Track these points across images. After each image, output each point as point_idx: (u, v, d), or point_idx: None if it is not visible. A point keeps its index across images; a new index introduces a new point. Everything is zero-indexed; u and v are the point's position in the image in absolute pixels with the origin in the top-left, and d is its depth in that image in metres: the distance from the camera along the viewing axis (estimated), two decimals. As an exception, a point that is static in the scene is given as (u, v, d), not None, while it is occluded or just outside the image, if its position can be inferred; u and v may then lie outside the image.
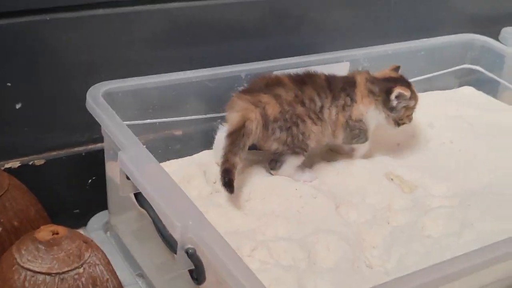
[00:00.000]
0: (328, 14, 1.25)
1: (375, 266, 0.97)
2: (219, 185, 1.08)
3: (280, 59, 1.17)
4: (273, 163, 1.09)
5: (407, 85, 1.12)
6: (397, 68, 1.15)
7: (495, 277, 0.86)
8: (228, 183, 1.00)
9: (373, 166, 1.15)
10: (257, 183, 1.07)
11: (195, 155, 1.14)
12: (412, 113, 1.14)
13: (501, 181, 1.14)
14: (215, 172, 1.10)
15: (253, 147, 1.09)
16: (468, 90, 1.41)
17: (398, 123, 1.13)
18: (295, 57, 1.18)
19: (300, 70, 1.12)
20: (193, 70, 1.10)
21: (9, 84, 1.02)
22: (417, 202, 1.09)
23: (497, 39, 1.36)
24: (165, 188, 0.84)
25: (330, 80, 1.10)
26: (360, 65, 1.23)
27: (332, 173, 1.14)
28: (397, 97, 1.09)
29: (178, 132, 1.13)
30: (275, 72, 1.13)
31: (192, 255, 0.78)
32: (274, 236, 0.98)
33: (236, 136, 1.02)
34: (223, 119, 1.13)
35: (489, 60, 1.37)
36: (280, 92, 1.05)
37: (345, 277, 0.92)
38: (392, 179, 1.13)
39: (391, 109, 1.11)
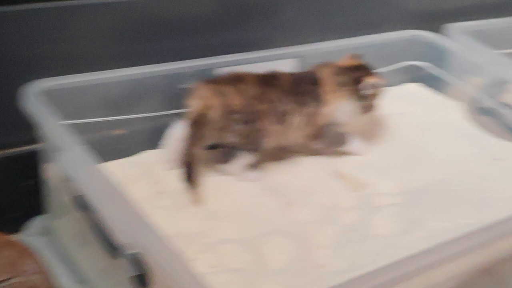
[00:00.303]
0: (275, 10, 1.23)
1: (325, 266, 0.94)
2: (163, 186, 1.05)
3: (226, 56, 1.14)
4: (224, 156, 1.06)
5: (373, 72, 1.12)
6: (357, 56, 1.15)
7: (450, 274, 0.85)
8: (189, 179, 0.99)
9: (321, 164, 1.14)
10: (204, 183, 1.04)
11: (138, 155, 1.11)
12: (376, 100, 1.14)
13: (449, 178, 1.13)
14: (159, 172, 1.07)
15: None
16: (414, 87, 1.41)
17: (365, 111, 1.13)
18: (242, 54, 1.15)
19: (265, 71, 1.10)
20: (135, 67, 1.06)
21: None
22: (366, 200, 1.07)
23: (442, 35, 1.36)
24: (107, 191, 0.80)
25: (295, 83, 1.08)
26: (307, 62, 1.21)
27: (281, 172, 1.11)
28: (368, 86, 1.10)
29: (121, 131, 1.09)
30: (227, 69, 1.10)
31: (136, 260, 0.74)
32: (221, 238, 0.95)
33: (198, 125, 1.00)
34: (167, 117, 1.10)
35: (434, 56, 1.37)
36: (244, 87, 1.04)
37: (296, 278, 0.89)
38: (340, 177, 1.12)
39: (361, 97, 1.11)
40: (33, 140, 1.02)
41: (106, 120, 1.05)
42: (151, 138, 1.10)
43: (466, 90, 1.33)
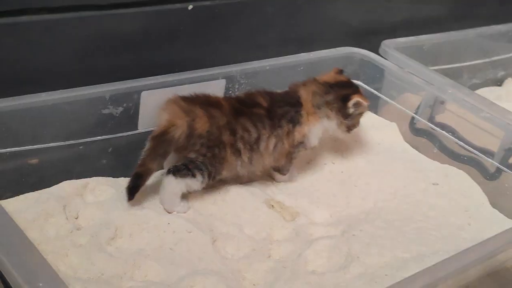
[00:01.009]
0: (201, 28, 1.15)
1: (257, 308, 0.88)
2: (81, 221, 0.97)
3: (150, 78, 1.07)
4: (181, 167, 0.99)
5: (360, 91, 1.11)
6: (340, 71, 1.13)
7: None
8: (132, 188, 0.97)
9: (252, 193, 1.07)
10: (124, 217, 0.97)
11: (54, 187, 1.01)
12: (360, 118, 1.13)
13: (385, 205, 1.09)
14: (77, 205, 0.98)
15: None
16: (349, 106, 1.36)
17: (350, 129, 1.11)
18: (167, 75, 1.08)
19: (243, 94, 1.08)
20: (49, 92, 0.98)
21: None
22: (299, 231, 1.02)
23: (377, 52, 1.32)
24: (9, 240, 0.71)
25: (271, 109, 1.04)
26: (236, 82, 1.15)
27: (208, 202, 1.05)
28: (355, 105, 1.07)
29: (34, 161, 1.00)
30: (153, 92, 1.05)
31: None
32: (143, 280, 0.88)
33: (158, 141, 0.97)
34: (85, 145, 1.02)
35: (369, 74, 1.33)
36: (215, 114, 1.00)
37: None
38: (272, 206, 1.06)
39: (347, 116, 1.08)
40: None
41: (17, 150, 0.96)
42: (68, 168, 1.02)
43: (402, 109, 1.29)
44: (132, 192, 0.97)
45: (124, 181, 1.06)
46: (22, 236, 0.73)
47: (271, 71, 1.19)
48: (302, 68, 1.24)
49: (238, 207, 1.04)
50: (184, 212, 1.01)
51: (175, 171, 0.99)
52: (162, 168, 1.03)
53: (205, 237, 0.96)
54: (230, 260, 0.95)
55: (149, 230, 0.95)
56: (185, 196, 1.03)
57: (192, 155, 0.99)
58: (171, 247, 0.93)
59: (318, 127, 1.08)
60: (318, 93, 1.08)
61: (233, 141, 1.01)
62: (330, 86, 1.09)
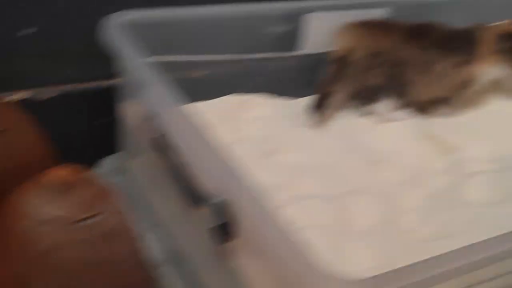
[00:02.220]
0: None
1: (413, 232, 0.88)
2: (241, 134, 0.99)
3: (313, 1, 1.05)
4: (368, 97, 1.03)
5: None
6: None
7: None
8: (317, 108, 1.00)
9: (409, 123, 1.06)
10: (283, 134, 0.99)
11: (217, 99, 1.04)
12: None
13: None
14: (238, 119, 1.01)
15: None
16: None
17: None
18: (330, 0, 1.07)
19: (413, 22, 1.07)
20: (220, 5, 0.99)
21: (22, 6, 0.91)
22: (456, 165, 1.00)
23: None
24: (195, 133, 0.74)
25: (448, 38, 1.05)
26: (402, 14, 1.12)
27: (363, 131, 1.04)
28: None
29: (202, 73, 1.03)
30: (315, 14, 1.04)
31: (221, 209, 0.69)
32: (304, 192, 0.89)
33: (338, 64, 1.01)
34: (247, 62, 1.04)
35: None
36: (392, 34, 1.03)
37: (382, 243, 0.83)
38: (430, 138, 1.05)
39: None
40: (109, 75, 0.97)
41: (191, 61, 0.99)
42: (232, 83, 1.04)
43: None
44: (322, 110, 1.00)
45: (285, 102, 1.07)
46: (205, 130, 0.75)
47: (446, 5, 1.14)
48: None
49: (396, 138, 1.04)
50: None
51: (365, 102, 1.03)
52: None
53: (363, 160, 0.97)
54: (386, 184, 0.94)
55: (308, 147, 0.97)
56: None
57: (373, 80, 1.01)
58: (330, 164, 0.95)
59: (490, 73, 1.06)
60: (503, 37, 1.06)
61: (412, 57, 1.02)
62: (508, 35, 1.06)
